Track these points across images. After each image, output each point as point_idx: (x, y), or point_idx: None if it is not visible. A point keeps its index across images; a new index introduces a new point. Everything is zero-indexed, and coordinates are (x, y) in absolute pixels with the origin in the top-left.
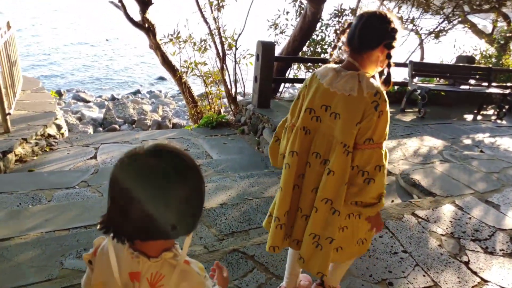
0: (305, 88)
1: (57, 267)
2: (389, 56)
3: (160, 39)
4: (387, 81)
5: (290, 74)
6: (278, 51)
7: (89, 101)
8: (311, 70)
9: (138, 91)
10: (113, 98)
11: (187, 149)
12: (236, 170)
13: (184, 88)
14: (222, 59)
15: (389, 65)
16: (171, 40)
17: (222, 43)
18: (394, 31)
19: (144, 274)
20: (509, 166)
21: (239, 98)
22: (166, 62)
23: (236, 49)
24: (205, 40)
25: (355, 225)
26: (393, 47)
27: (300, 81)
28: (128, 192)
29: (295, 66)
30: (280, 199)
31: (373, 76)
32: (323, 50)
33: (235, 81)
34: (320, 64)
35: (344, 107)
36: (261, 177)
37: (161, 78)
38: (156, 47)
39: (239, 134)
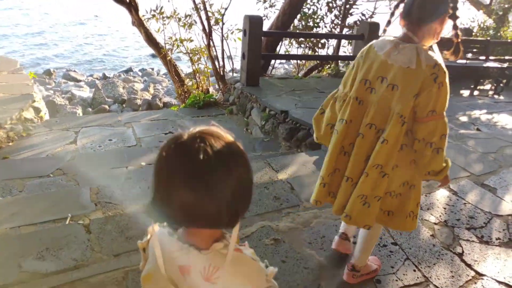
0: (361, 58)
1: (15, 270)
2: (455, 27)
3: (143, 15)
4: (456, 51)
5: (281, 50)
6: (267, 26)
7: (80, 80)
8: (302, 46)
9: (130, 69)
10: (104, 77)
11: (172, 132)
12: None
13: (170, 66)
14: (209, 35)
15: (457, 36)
16: (154, 16)
17: (208, 18)
18: (455, 1)
19: (195, 267)
20: (507, 145)
21: (229, 76)
22: (150, 39)
23: (223, 24)
24: (190, 16)
25: (407, 194)
26: (457, 17)
27: (292, 57)
28: (170, 178)
29: (286, 42)
30: (326, 162)
31: (430, 48)
32: (315, 24)
33: (223, 58)
34: (312, 39)
35: (402, 79)
36: (251, 161)
37: (154, 56)
38: (139, 23)
39: (228, 114)
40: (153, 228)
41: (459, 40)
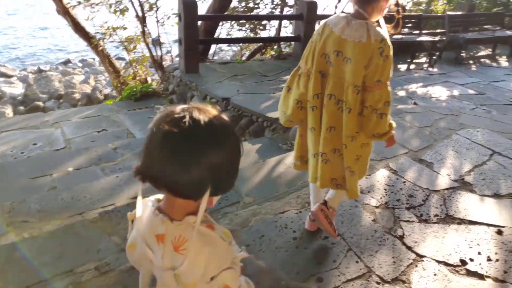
0: (318, 35)
1: None
2: (397, 4)
3: (68, 3)
4: (397, 25)
5: (223, 33)
6: (204, 9)
7: (11, 76)
8: (244, 28)
9: (68, 61)
10: (40, 71)
11: (106, 129)
12: None
13: (103, 57)
14: (143, 21)
15: (398, 12)
16: (79, 3)
17: (140, 4)
18: None
19: (168, 236)
20: (441, 117)
21: (169, 63)
22: (78, 28)
23: (157, 9)
24: (120, 1)
25: (366, 152)
26: None
27: (232, 40)
28: (156, 148)
29: (227, 25)
30: (311, 139)
31: (377, 23)
32: (256, 5)
33: (160, 45)
34: (254, 20)
35: (354, 52)
36: None
37: None
38: (64, 11)
39: (168, 104)
40: (138, 196)
41: (400, 15)
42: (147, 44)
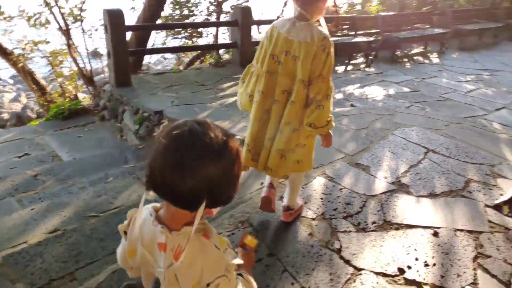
0: (267, 38)
1: None
2: (335, 5)
3: None
4: (337, 24)
5: (159, 42)
6: (134, 19)
7: None
8: (179, 36)
9: None
10: None
11: (28, 153)
12: (86, 173)
13: (24, 74)
14: (67, 33)
15: (337, 11)
16: None
17: (63, 16)
18: None
19: (169, 245)
20: (377, 118)
21: (101, 77)
22: None
23: (82, 21)
24: (40, 13)
25: (311, 143)
26: None
27: (168, 50)
28: (158, 159)
29: (163, 33)
30: (248, 129)
31: (318, 22)
32: (191, 12)
33: (89, 58)
34: (189, 28)
35: (301, 51)
36: (116, 179)
37: None
38: None
39: (99, 121)
40: (135, 211)
41: (339, 14)
42: (74, 58)
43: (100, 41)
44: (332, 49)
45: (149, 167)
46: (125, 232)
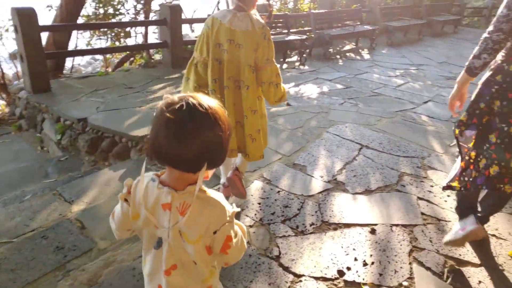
0: (209, 28)
1: None
2: None
3: None
4: (270, 15)
5: (82, 43)
6: (52, 18)
7: None
8: (104, 37)
9: None
10: None
11: None
12: (0, 191)
13: None
14: None
15: (270, 5)
16: None
17: None
18: None
19: (174, 204)
20: (312, 116)
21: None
22: None
23: None
24: None
25: (264, 122)
26: None
27: (92, 51)
28: (161, 132)
29: (86, 35)
30: None
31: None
32: (117, 11)
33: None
34: (116, 29)
35: (244, 39)
36: (34, 196)
37: None
38: None
39: (15, 131)
40: (130, 180)
41: (271, 7)
42: None
43: (12, 43)
44: (270, 35)
45: (153, 140)
46: (126, 200)
